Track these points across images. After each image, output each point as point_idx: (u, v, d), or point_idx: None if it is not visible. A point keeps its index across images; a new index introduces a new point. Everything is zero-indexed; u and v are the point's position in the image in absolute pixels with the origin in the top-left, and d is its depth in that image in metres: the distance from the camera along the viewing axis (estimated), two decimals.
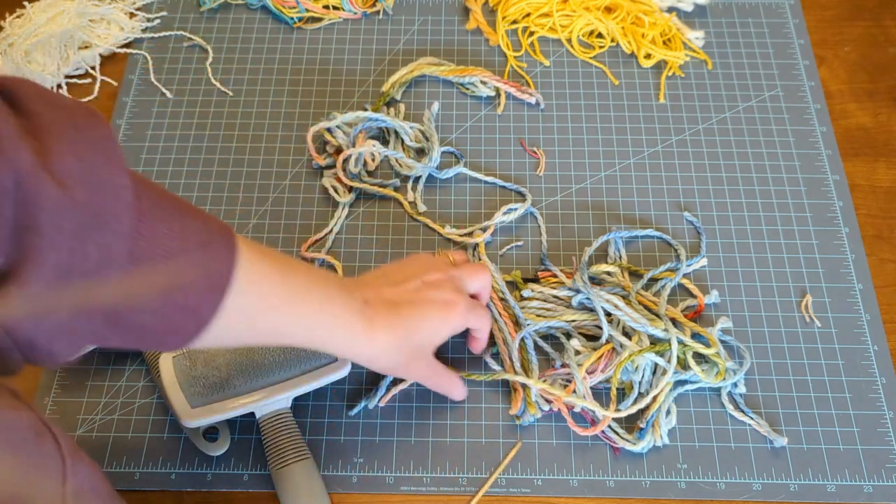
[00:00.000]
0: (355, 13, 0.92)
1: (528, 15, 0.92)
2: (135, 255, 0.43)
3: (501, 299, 0.71)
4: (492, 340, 0.71)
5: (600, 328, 0.69)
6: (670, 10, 0.92)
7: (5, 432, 0.40)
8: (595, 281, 0.73)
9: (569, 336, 0.71)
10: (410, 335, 0.59)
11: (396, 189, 0.80)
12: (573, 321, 0.70)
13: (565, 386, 0.68)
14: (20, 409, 0.42)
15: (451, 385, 0.67)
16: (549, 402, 0.67)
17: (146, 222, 0.43)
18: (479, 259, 0.75)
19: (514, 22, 0.92)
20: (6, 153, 0.38)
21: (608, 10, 0.91)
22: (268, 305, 0.51)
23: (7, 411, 0.41)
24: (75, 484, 0.43)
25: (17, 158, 0.38)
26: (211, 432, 0.67)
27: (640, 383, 0.67)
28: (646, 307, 0.71)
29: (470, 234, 0.77)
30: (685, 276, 0.75)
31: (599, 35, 0.91)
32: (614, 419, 0.67)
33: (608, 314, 0.70)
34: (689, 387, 0.68)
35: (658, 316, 0.69)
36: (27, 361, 0.42)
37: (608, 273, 0.73)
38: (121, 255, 0.42)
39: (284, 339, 0.55)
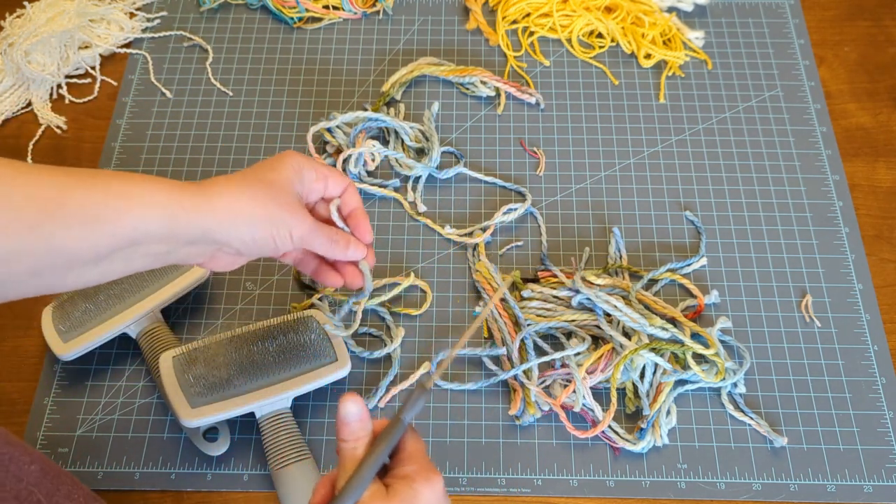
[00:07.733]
0: (355, 13, 0.92)
1: (528, 15, 0.92)
2: None
3: (501, 300, 0.71)
4: (491, 339, 0.71)
5: (600, 328, 0.69)
6: (670, 10, 0.92)
7: None
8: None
9: (569, 336, 0.71)
10: (258, 174, 0.51)
11: (396, 189, 0.80)
12: (573, 321, 0.70)
13: (565, 386, 0.68)
14: None
15: (343, 238, 0.57)
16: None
17: None
18: (480, 259, 0.75)
19: (514, 22, 0.92)
20: None
21: (608, 10, 0.91)
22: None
23: None
24: None
25: None
26: (211, 432, 0.67)
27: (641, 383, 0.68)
28: (646, 306, 0.71)
29: (470, 234, 0.77)
30: (685, 275, 0.75)
31: (599, 35, 0.91)
32: (614, 419, 0.67)
33: (608, 315, 0.70)
34: (689, 387, 0.68)
35: (658, 315, 0.69)
36: None
37: (597, 284, 0.72)
38: None
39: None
